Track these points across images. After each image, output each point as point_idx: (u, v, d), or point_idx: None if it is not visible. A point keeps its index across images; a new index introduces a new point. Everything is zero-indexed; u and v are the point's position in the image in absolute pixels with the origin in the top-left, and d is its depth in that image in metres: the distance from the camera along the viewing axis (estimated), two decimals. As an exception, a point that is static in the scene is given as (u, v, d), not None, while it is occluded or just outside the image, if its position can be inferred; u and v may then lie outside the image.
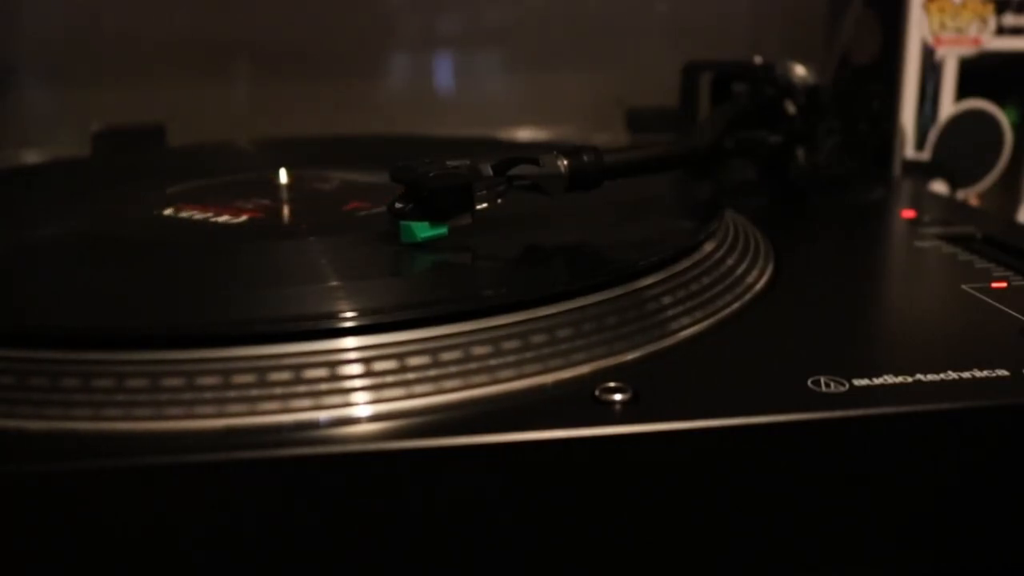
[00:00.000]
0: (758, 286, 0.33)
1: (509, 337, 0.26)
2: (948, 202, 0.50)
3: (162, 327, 0.25)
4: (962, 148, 0.54)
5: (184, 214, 0.38)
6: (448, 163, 0.31)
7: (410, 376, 0.25)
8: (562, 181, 0.32)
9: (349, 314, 0.26)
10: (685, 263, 0.32)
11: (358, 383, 0.24)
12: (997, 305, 0.31)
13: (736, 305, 0.31)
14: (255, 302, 0.28)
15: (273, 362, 0.24)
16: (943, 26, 0.52)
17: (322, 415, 0.23)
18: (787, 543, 0.25)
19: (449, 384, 0.25)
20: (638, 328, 0.28)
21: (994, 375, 0.26)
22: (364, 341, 0.25)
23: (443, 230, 0.32)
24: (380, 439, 0.23)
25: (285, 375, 0.24)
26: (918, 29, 0.52)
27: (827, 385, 0.25)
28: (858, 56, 0.56)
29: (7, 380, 0.24)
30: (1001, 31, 0.53)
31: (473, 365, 0.25)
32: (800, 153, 0.47)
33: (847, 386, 0.25)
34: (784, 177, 0.47)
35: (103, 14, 0.63)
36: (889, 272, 0.38)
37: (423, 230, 0.31)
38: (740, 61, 0.50)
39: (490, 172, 0.31)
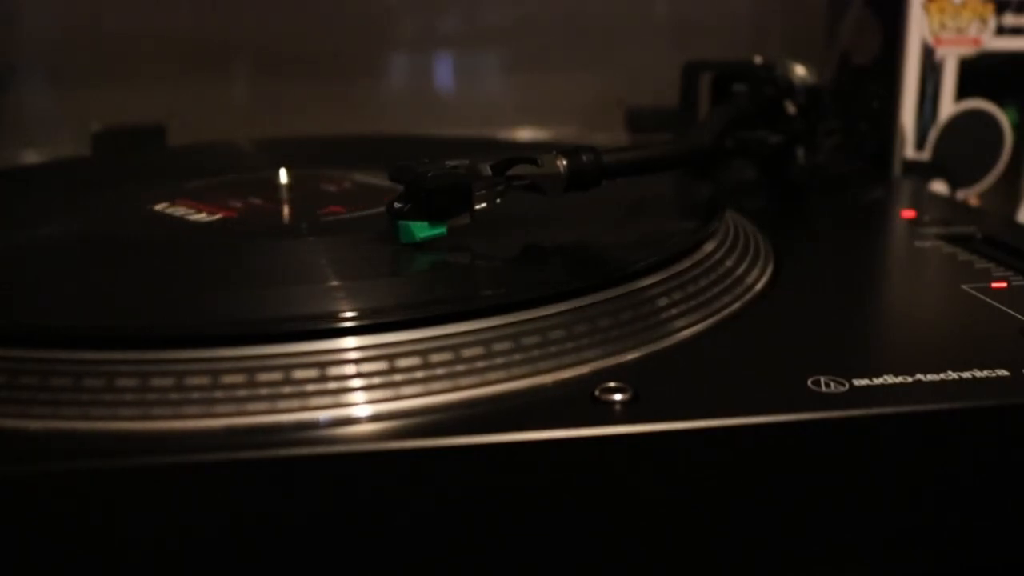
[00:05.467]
0: (758, 286, 0.33)
1: (508, 337, 0.26)
2: (948, 202, 0.50)
3: (154, 327, 0.25)
4: (962, 148, 0.54)
5: (183, 214, 0.38)
6: (447, 163, 0.31)
7: (408, 376, 0.25)
8: (561, 181, 0.32)
9: (347, 314, 0.26)
10: (685, 263, 0.32)
11: (357, 383, 0.24)
12: (997, 305, 0.31)
13: (736, 305, 0.31)
14: (254, 302, 0.28)
15: (270, 362, 0.24)
16: (943, 26, 0.52)
17: (322, 415, 0.23)
18: (787, 543, 0.25)
19: (448, 384, 0.25)
20: (638, 328, 0.28)
21: (994, 375, 0.26)
22: (362, 341, 0.25)
23: (442, 230, 0.32)
24: (380, 439, 0.23)
25: (281, 375, 0.24)
26: (918, 29, 0.52)
27: (827, 385, 0.25)
28: (858, 56, 0.56)
29: (19, 380, 0.24)
30: (1001, 31, 0.53)
31: (472, 365, 0.25)
32: (800, 153, 0.47)
33: (847, 386, 0.25)
34: (784, 177, 0.47)
35: (103, 14, 0.63)
36: (889, 272, 0.38)
37: (422, 230, 0.31)
38: (740, 61, 0.50)
39: (489, 172, 0.31)
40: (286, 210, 0.40)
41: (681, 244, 0.33)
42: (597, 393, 0.24)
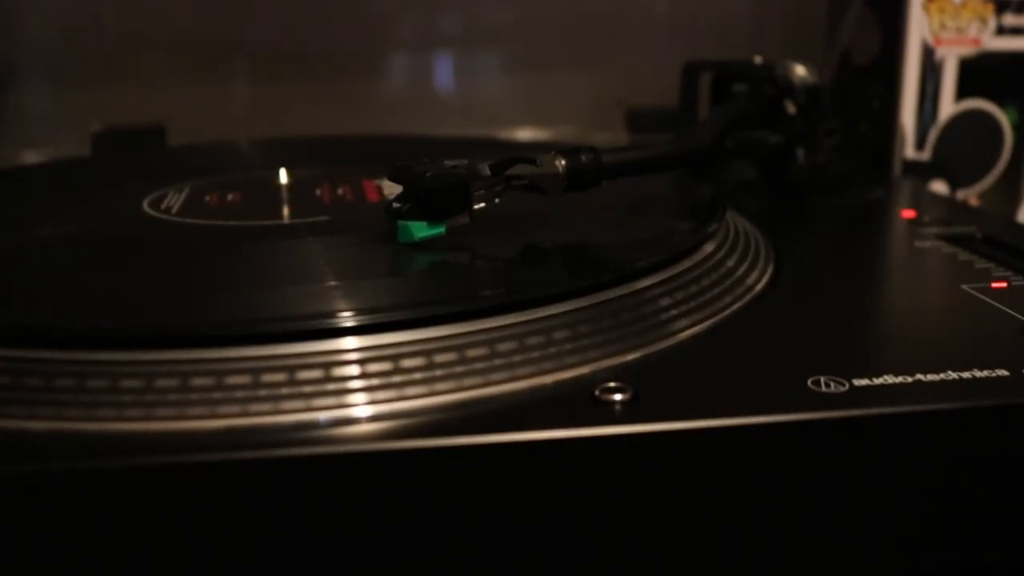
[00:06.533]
0: (758, 286, 0.33)
1: (508, 338, 0.26)
2: (948, 202, 0.50)
3: (156, 328, 0.25)
4: (962, 148, 0.54)
5: (183, 214, 0.38)
6: (446, 163, 0.31)
7: (409, 376, 0.25)
8: (560, 181, 0.32)
9: (346, 314, 0.26)
10: (685, 263, 0.32)
11: (357, 383, 0.24)
12: (997, 305, 0.31)
13: (736, 305, 0.31)
14: (253, 302, 0.28)
15: (272, 363, 0.24)
16: (943, 26, 0.52)
17: (322, 415, 0.23)
18: (787, 543, 0.25)
19: (449, 384, 0.25)
20: (638, 328, 0.28)
21: (994, 375, 0.26)
22: (362, 342, 0.25)
23: (441, 230, 0.31)
24: (380, 439, 0.23)
25: (282, 375, 0.24)
26: (918, 29, 0.52)
27: (827, 385, 0.25)
28: (858, 56, 0.56)
29: (2, 379, 0.24)
30: (1001, 31, 0.53)
31: (472, 366, 0.25)
32: (800, 153, 0.47)
33: (847, 386, 0.25)
34: (784, 177, 0.47)
35: (103, 14, 0.63)
36: (889, 272, 0.38)
37: (421, 230, 0.31)
38: (740, 61, 0.50)
39: (488, 172, 0.31)
40: (286, 210, 0.40)
41: (681, 244, 0.33)
42: (597, 393, 0.24)
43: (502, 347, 0.26)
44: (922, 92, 0.53)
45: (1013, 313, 0.31)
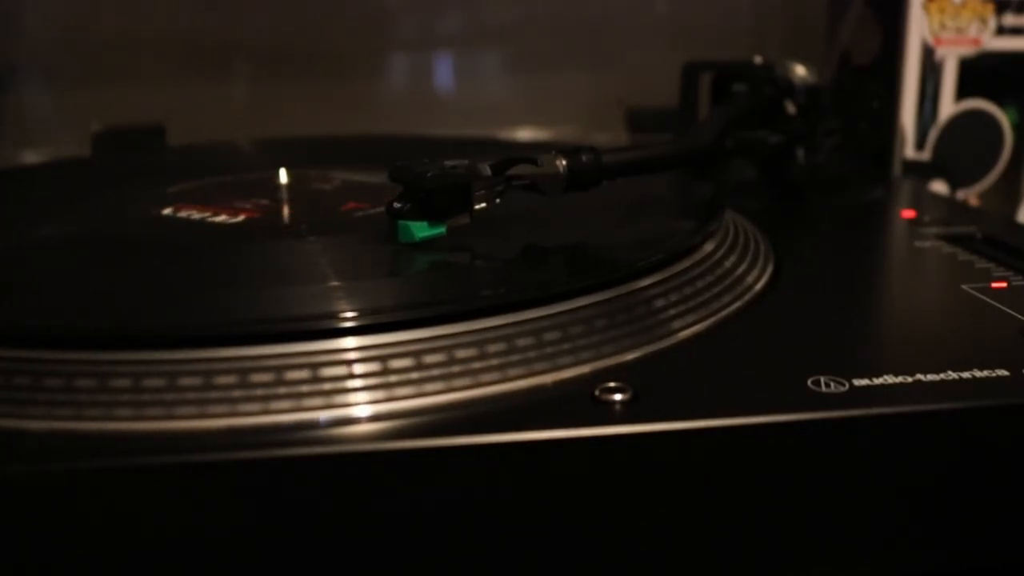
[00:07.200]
0: (758, 286, 0.33)
1: (509, 337, 0.26)
2: (948, 202, 0.50)
3: (152, 328, 0.25)
4: (962, 148, 0.54)
5: (184, 214, 0.38)
6: (446, 163, 0.31)
7: (407, 376, 0.25)
8: (560, 181, 0.32)
9: (347, 314, 0.26)
10: (685, 263, 0.32)
11: (358, 383, 0.24)
12: (997, 305, 0.31)
13: (736, 305, 0.31)
14: (253, 303, 0.28)
15: (269, 363, 0.24)
16: (943, 26, 0.52)
17: (322, 415, 0.23)
18: (787, 543, 0.25)
19: (448, 385, 0.25)
20: (638, 328, 0.28)
21: (994, 375, 0.26)
22: (361, 342, 0.25)
23: (441, 230, 0.31)
24: (379, 439, 0.23)
25: (282, 375, 0.24)
26: (918, 29, 0.52)
27: (827, 385, 0.25)
28: (858, 56, 0.56)
29: (19, 380, 0.24)
30: (1001, 31, 0.53)
31: (472, 365, 0.25)
32: (800, 153, 0.47)
33: (847, 386, 0.25)
34: (784, 177, 0.47)
35: (102, 14, 0.63)
36: (889, 272, 0.38)
37: (421, 230, 0.31)
38: (740, 61, 0.50)
39: (488, 172, 0.31)
40: (285, 210, 0.40)
41: (681, 244, 0.33)
42: (597, 393, 0.24)
43: (503, 347, 0.26)
44: (922, 92, 0.53)
45: (1013, 313, 0.31)
